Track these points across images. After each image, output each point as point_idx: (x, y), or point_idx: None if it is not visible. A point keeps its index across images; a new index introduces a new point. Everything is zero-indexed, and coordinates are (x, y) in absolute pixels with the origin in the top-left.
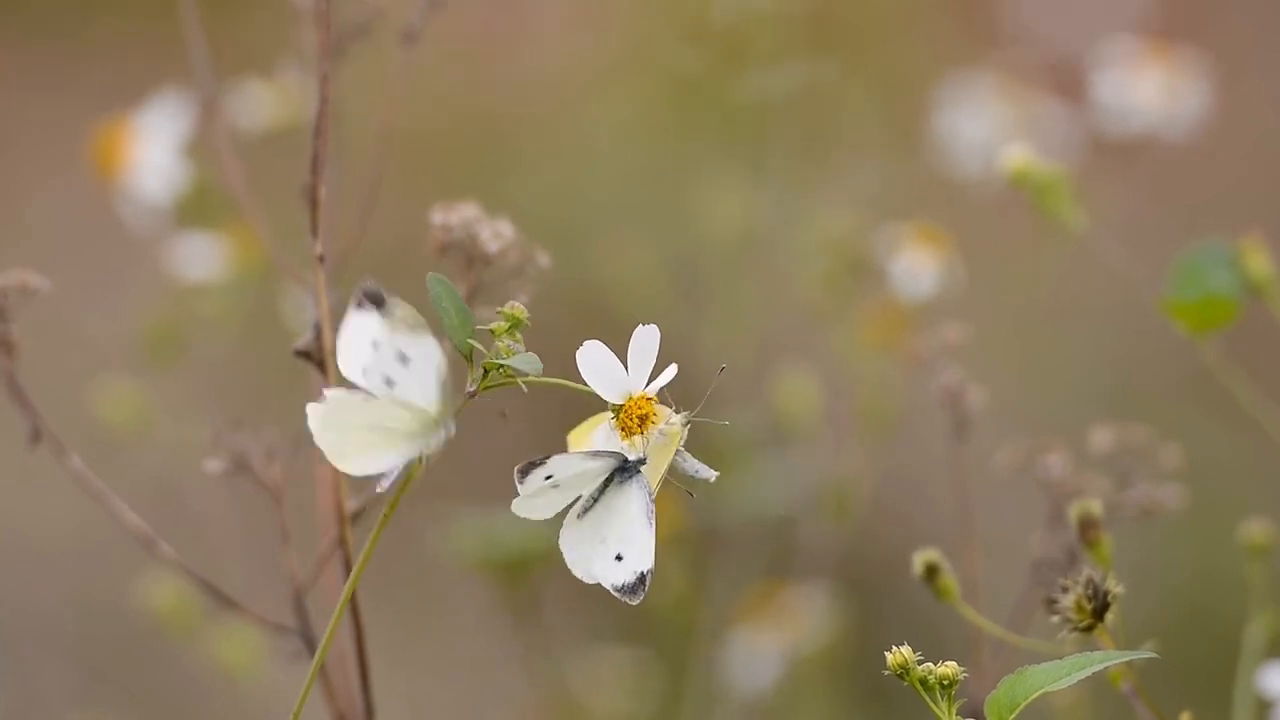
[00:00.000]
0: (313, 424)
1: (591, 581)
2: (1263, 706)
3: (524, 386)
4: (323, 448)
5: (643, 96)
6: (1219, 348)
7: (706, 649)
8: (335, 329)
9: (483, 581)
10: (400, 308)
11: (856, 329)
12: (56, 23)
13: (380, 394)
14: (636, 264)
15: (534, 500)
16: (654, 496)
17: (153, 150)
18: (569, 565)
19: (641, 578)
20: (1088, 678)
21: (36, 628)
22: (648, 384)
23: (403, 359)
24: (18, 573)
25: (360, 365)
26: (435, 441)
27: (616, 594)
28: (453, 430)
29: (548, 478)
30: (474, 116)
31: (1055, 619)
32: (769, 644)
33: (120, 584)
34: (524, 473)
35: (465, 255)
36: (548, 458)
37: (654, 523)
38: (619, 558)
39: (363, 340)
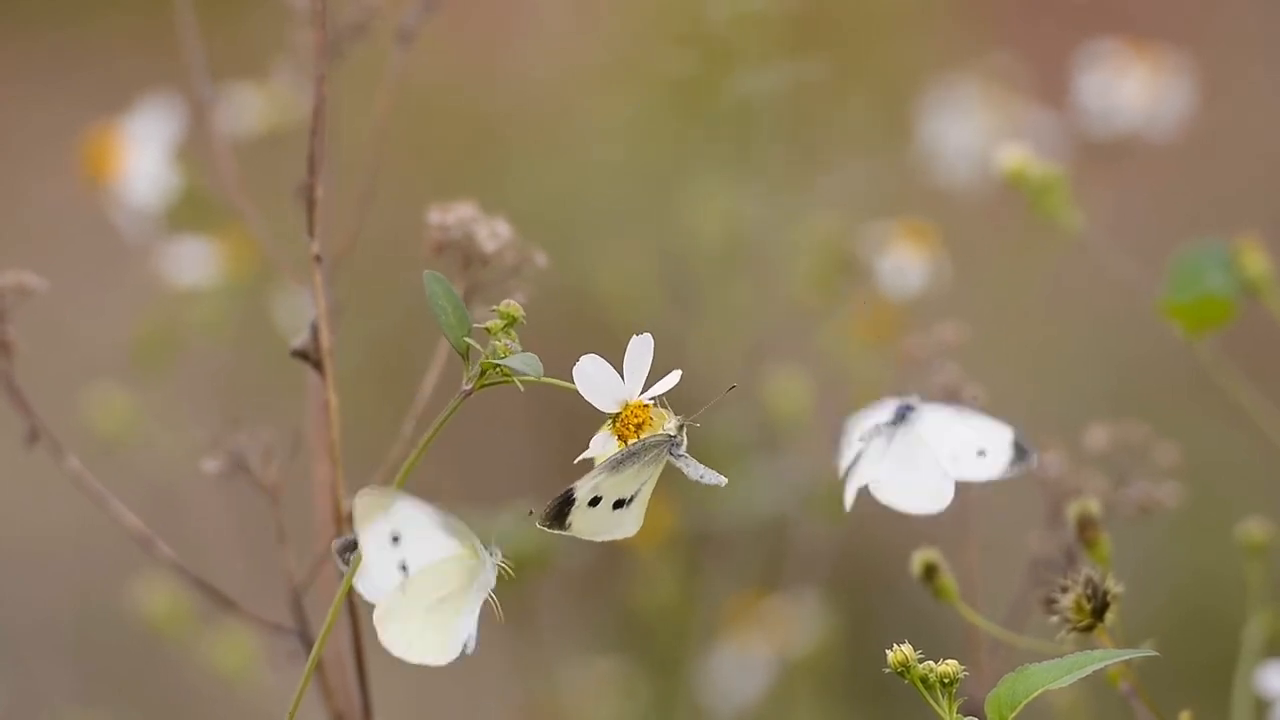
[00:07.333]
0: (385, 637)
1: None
2: (1261, 706)
3: (520, 386)
4: (406, 654)
5: (639, 98)
6: (1217, 348)
7: (699, 654)
8: (333, 329)
9: None
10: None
11: (847, 327)
12: (55, 18)
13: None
14: (630, 266)
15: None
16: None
17: (142, 156)
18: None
19: None
20: (1087, 677)
21: (36, 628)
22: (644, 391)
23: (394, 539)
24: (18, 573)
25: (376, 578)
26: (488, 577)
27: None
28: (497, 557)
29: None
30: (469, 117)
31: (1054, 619)
32: (759, 650)
33: (120, 584)
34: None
35: (462, 255)
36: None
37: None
38: None
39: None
